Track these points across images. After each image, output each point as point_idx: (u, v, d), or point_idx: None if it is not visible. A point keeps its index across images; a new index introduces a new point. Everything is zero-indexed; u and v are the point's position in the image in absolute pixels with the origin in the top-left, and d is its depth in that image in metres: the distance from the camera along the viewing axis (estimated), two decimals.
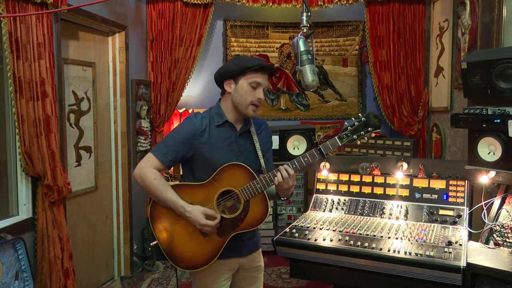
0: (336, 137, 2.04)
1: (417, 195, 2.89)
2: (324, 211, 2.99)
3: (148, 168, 2.05)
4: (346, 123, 2.08)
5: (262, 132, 2.21)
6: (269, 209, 2.07)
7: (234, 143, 2.10)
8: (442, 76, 4.22)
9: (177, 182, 2.18)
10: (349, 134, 2.03)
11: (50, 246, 2.94)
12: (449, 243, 2.37)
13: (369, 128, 2.02)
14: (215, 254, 2.04)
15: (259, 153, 2.13)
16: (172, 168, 4.47)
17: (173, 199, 2.02)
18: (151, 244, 2.17)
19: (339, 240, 2.51)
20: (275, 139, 3.92)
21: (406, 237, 2.50)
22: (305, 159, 2.02)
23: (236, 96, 2.06)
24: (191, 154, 2.06)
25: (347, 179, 3.09)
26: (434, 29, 4.43)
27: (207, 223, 1.98)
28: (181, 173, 2.26)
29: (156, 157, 2.05)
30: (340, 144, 2.03)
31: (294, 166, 2.02)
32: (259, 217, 2.04)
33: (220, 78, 2.11)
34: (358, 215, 2.90)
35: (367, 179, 3.05)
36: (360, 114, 2.08)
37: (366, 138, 2.06)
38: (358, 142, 2.06)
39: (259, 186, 2.01)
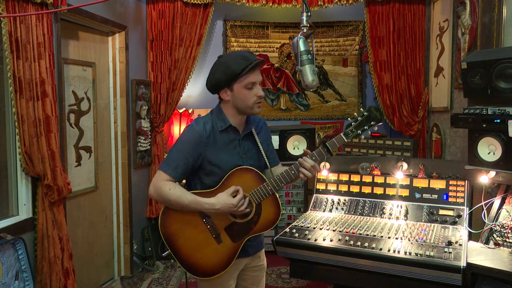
0: (341, 134, 2.06)
1: (417, 195, 2.89)
2: (324, 211, 2.99)
3: (161, 182, 2.00)
4: (349, 118, 2.11)
5: (261, 131, 2.21)
6: (281, 210, 2.07)
7: (239, 146, 2.10)
8: (442, 76, 4.21)
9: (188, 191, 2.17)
10: (353, 130, 2.06)
11: (50, 246, 2.94)
12: (449, 243, 2.37)
13: (372, 122, 2.05)
14: (231, 260, 2.03)
15: (263, 153, 2.14)
16: None
17: (196, 200, 1.98)
18: (163, 254, 2.16)
19: (339, 240, 2.51)
20: (275, 139, 3.93)
21: (406, 237, 2.50)
22: (313, 158, 2.02)
23: (237, 102, 2.03)
24: (199, 162, 2.03)
25: (347, 179, 3.09)
26: (434, 29, 4.43)
27: (237, 199, 1.96)
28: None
29: (166, 173, 2.00)
30: (346, 140, 2.05)
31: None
32: (272, 219, 2.05)
33: (214, 89, 2.07)
34: (358, 215, 2.90)
35: (367, 179, 3.05)
36: (361, 109, 2.12)
37: (369, 132, 2.10)
38: (362, 137, 2.10)
39: (269, 188, 2.01)
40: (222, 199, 1.96)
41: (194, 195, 2.00)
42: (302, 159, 2.02)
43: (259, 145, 2.14)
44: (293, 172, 2.02)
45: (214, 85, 2.05)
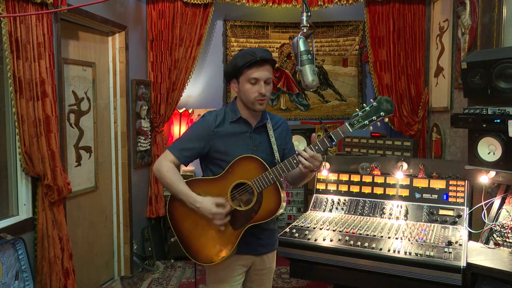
0: (346, 123, 1.97)
1: (417, 195, 2.89)
2: (324, 211, 2.99)
3: (164, 161, 2.10)
4: (357, 109, 1.99)
5: (279, 128, 2.23)
6: (283, 201, 2.04)
7: (249, 138, 2.12)
8: (442, 76, 4.21)
9: (193, 177, 2.20)
10: (360, 120, 1.95)
11: (50, 246, 2.94)
12: (449, 243, 2.38)
13: (381, 113, 1.93)
14: (231, 247, 2.04)
15: (274, 147, 2.14)
16: None
17: (184, 191, 2.05)
18: (171, 240, 2.19)
19: (339, 240, 2.51)
20: None
21: (406, 237, 2.50)
22: (316, 147, 1.98)
23: (241, 95, 2.10)
24: (207, 150, 2.10)
25: (347, 179, 3.09)
26: (434, 29, 4.43)
27: (217, 211, 1.99)
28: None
29: (171, 153, 2.11)
30: (351, 131, 1.97)
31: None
32: (272, 208, 2.04)
33: (226, 79, 2.20)
34: (358, 215, 2.90)
35: (367, 179, 3.06)
36: (371, 100, 1.98)
37: (379, 123, 1.97)
38: (371, 128, 1.97)
39: (271, 177, 2.01)
40: (205, 203, 2.02)
41: (185, 186, 2.06)
42: (301, 149, 2.00)
43: (272, 139, 2.15)
44: (295, 161, 2.00)
45: (225, 75, 2.18)
